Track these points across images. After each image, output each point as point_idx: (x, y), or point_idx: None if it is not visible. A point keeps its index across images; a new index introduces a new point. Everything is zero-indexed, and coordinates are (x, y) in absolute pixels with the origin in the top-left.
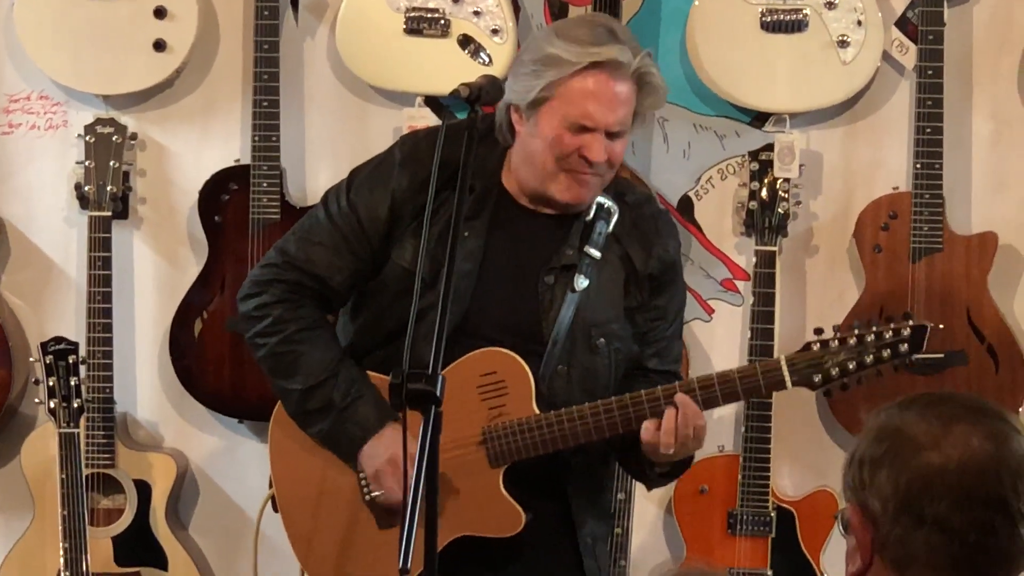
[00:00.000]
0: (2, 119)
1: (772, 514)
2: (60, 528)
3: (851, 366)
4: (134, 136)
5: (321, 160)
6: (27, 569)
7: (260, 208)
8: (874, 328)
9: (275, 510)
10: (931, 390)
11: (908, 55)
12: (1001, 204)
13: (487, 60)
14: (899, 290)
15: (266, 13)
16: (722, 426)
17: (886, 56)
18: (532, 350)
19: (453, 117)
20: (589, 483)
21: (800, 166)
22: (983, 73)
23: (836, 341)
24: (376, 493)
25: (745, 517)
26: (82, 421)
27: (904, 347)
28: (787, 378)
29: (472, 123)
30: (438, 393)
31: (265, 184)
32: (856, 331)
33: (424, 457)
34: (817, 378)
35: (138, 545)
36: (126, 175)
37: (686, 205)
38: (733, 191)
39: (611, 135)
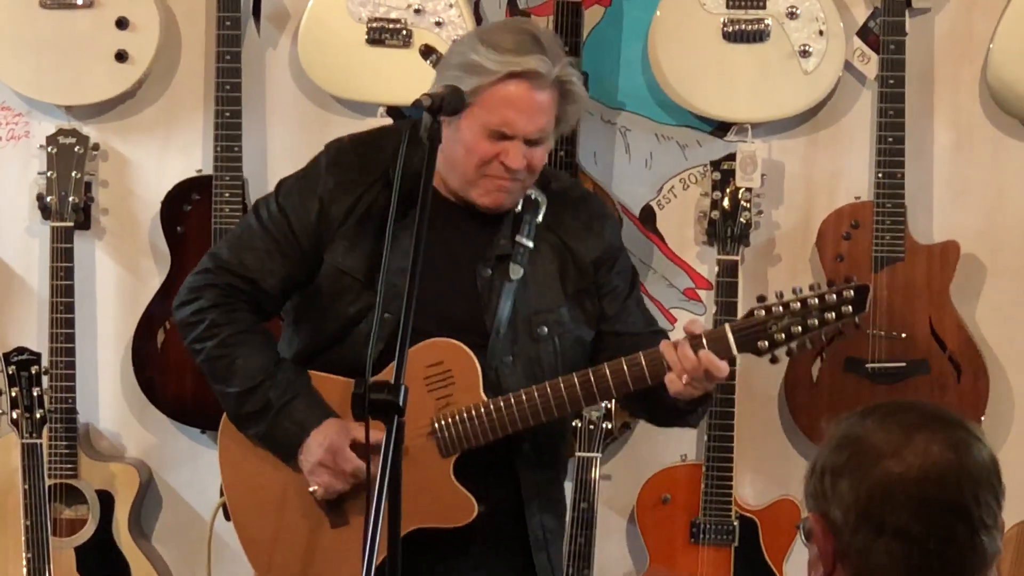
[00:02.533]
0: None
1: (735, 523)
2: (23, 539)
3: (796, 330)
4: (96, 147)
5: (283, 170)
6: None
7: (222, 218)
8: (816, 291)
9: (227, 518)
10: (893, 399)
11: (870, 65)
12: (963, 213)
13: None
14: None
15: (228, 23)
16: (685, 435)
17: (848, 66)
18: (475, 342)
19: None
20: (540, 475)
21: (762, 176)
22: (944, 83)
23: (780, 307)
24: (312, 488)
25: (708, 526)
26: (45, 431)
27: (848, 308)
28: (732, 345)
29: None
30: (400, 403)
31: (227, 194)
32: (799, 295)
33: (387, 468)
34: (763, 344)
35: (101, 555)
36: (88, 186)
37: (648, 214)
38: (695, 201)
39: (531, 142)
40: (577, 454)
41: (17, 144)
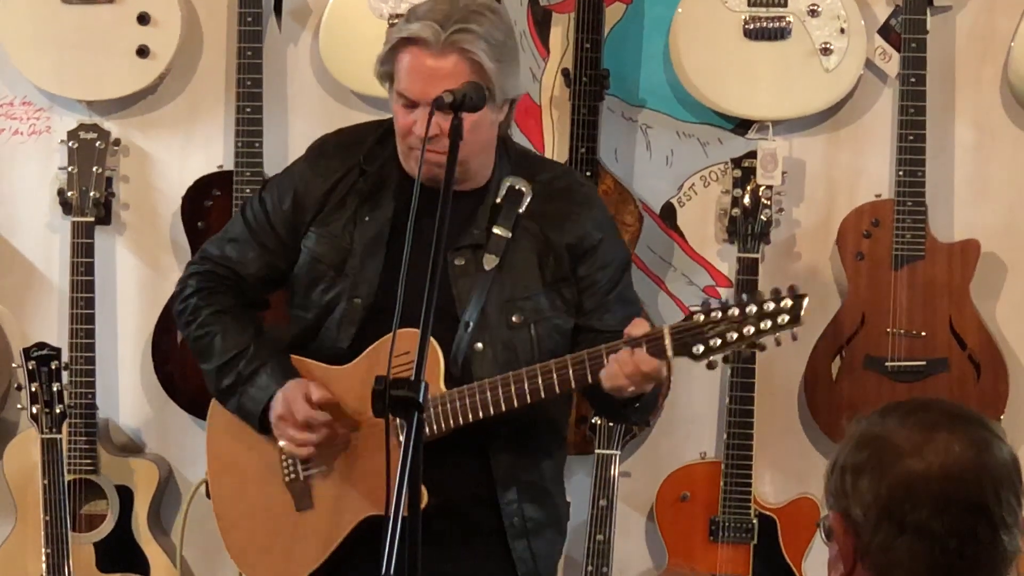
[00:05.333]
0: None
1: (754, 521)
2: (42, 534)
3: (732, 336)
4: (117, 142)
5: None
6: (10, 573)
7: None
8: (756, 299)
9: (207, 495)
10: (913, 397)
11: (891, 63)
12: (983, 212)
13: None
14: (881, 298)
15: (249, 19)
16: (704, 433)
17: (869, 64)
18: (447, 328)
19: None
20: (517, 463)
21: (783, 173)
22: (966, 81)
23: (719, 312)
24: (281, 443)
25: (727, 524)
26: (64, 427)
27: (783, 318)
28: (668, 346)
29: (456, 128)
30: (420, 399)
31: (248, 190)
32: (739, 302)
33: (408, 464)
34: (697, 348)
35: (120, 551)
36: (109, 181)
37: (669, 212)
38: (716, 198)
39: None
40: (596, 451)
41: (39, 139)
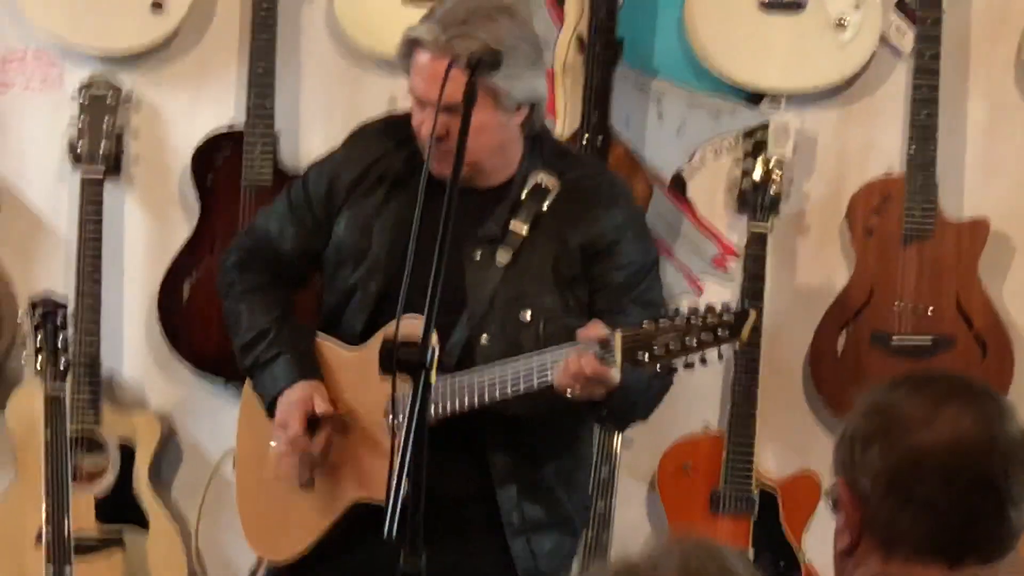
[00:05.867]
0: None
1: (755, 494)
2: (43, 486)
3: (675, 347)
4: (129, 96)
5: (315, 126)
6: (8, 527)
7: (253, 172)
8: (702, 312)
9: (234, 466)
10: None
11: (905, 39)
12: (994, 191)
13: None
14: (889, 274)
15: None
16: (707, 405)
17: (883, 39)
18: (456, 320)
19: None
20: (518, 461)
21: (794, 146)
22: (980, 59)
23: (667, 322)
24: (272, 443)
25: (728, 497)
26: (68, 380)
27: (724, 332)
28: (617, 351)
29: (471, 90)
30: (428, 363)
31: (259, 148)
32: (686, 314)
33: (413, 426)
34: (642, 356)
35: (120, 505)
36: (119, 135)
37: (679, 181)
38: (726, 169)
39: (447, 110)
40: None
41: (50, 92)
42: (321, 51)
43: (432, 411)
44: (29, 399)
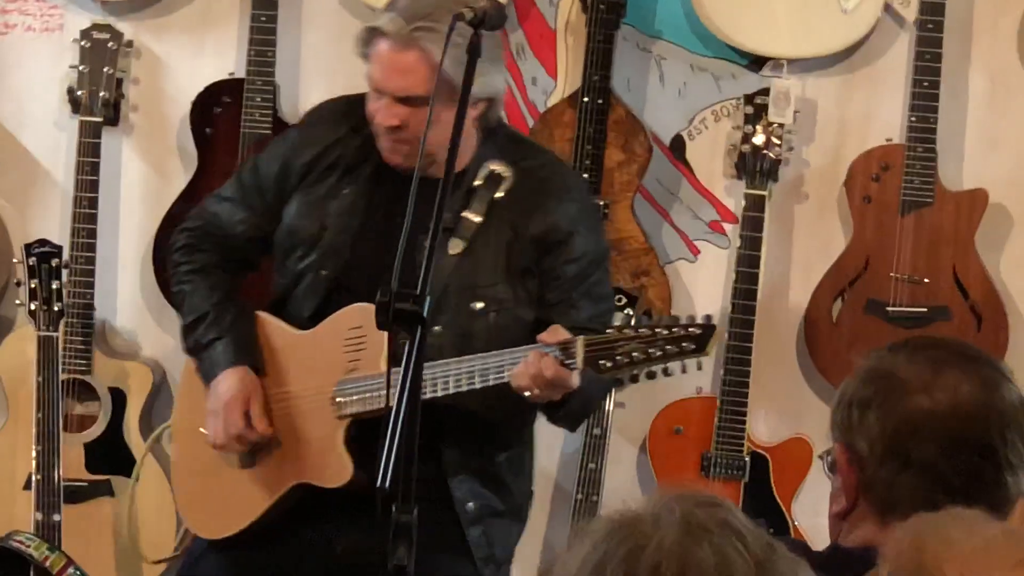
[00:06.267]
0: None
1: (746, 459)
2: (34, 431)
3: (638, 356)
4: (130, 43)
5: (315, 78)
6: None
7: (252, 123)
8: (666, 323)
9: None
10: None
11: (909, 8)
12: (993, 162)
13: None
14: (886, 242)
15: None
16: (701, 369)
17: (887, 8)
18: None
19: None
20: (469, 451)
21: (795, 112)
22: (983, 30)
23: (631, 330)
24: (202, 430)
25: (719, 460)
26: (61, 325)
27: (689, 345)
28: (579, 357)
29: (475, 46)
30: (425, 314)
31: (258, 99)
32: (652, 324)
33: (408, 379)
34: (603, 363)
35: (110, 453)
36: (119, 82)
37: (678, 144)
38: (726, 133)
39: (404, 101)
40: None
41: (51, 36)
42: (324, 3)
43: (384, 404)
44: (21, 343)
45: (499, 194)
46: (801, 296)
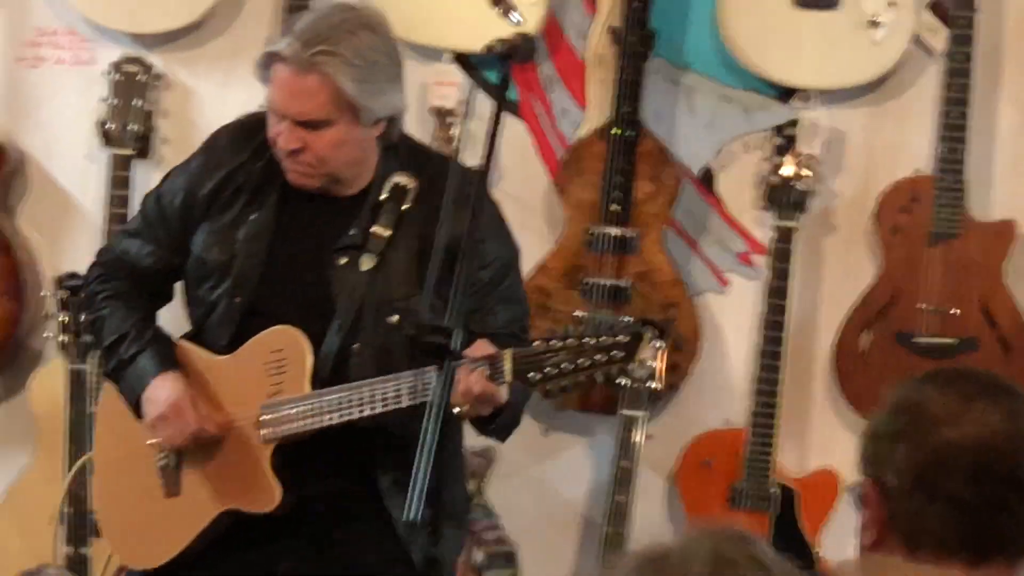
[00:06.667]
0: (29, 52)
1: (774, 491)
2: (64, 465)
3: (567, 367)
4: (160, 76)
5: None
6: (28, 503)
7: None
8: (594, 332)
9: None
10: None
11: (938, 38)
12: (1022, 193)
13: (519, 20)
14: (915, 273)
15: None
16: (730, 400)
17: (916, 38)
18: (326, 329)
19: (481, 75)
20: (401, 466)
21: (824, 143)
22: (1013, 62)
23: (559, 341)
24: (152, 441)
25: (747, 492)
26: (91, 358)
27: (618, 354)
28: (507, 370)
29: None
30: (454, 346)
31: None
32: (579, 334)
33: (439, 411)
34: (534, 375)
35: None
36: (149, 115)
37: (707, 176)
38: (755, 165)
39: (306, 124)
40: (621, 412)
41: (82, 69)
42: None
43: (314, 425)
44: (52, 378)
45: (406, 205)
46: (830, 327)
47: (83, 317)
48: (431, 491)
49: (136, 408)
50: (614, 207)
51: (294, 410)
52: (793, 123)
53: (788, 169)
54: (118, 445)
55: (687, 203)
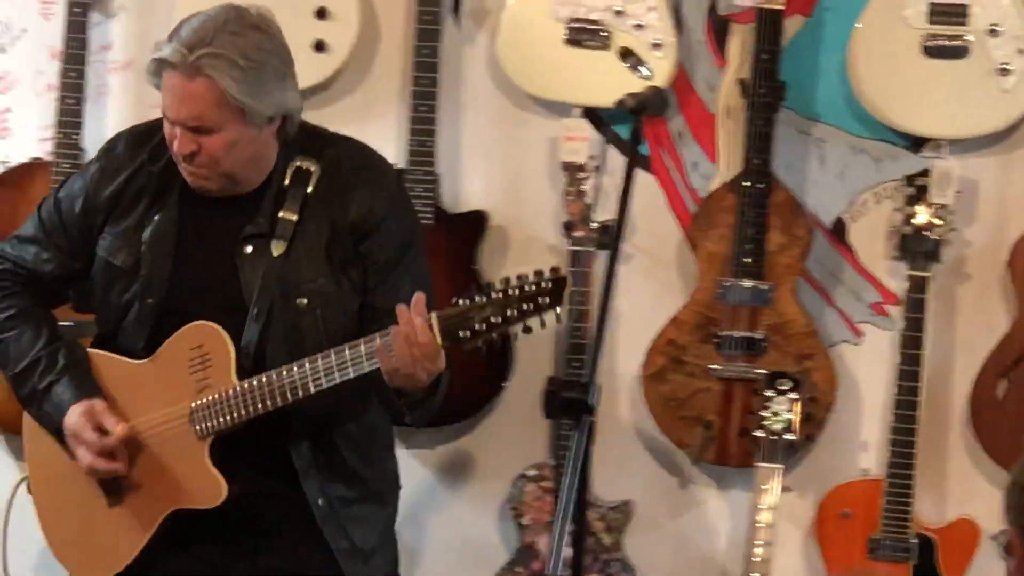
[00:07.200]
0: None
1: (913, 541)
2: None
3: (496, 320)
4: None
5: (476, 167)
6: None
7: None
8: (517, 282)
9: (28, 491)
10: None
11: None
12: None
13: (647, 74)
14: None
15: (427, 18)
16: (867, 450)
17: None
18: (239, 320)
19: (611, 129)
20: (317, 447)
21: (956, 192)
22: None
23: (482, 296)
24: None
25: (886, 542)
26: None
27: (544, 299)
28: (436, 333)
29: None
30: (591, 401)
31: (420, 189)
32: (501, 287)
33: (577, 470)
34: (463, 334)
35: None
36: None
37: (839, 227)
38: (887, 215)
39: (197, 130)
40: (758, 464)
41: None
42: (482, 92)
43: (250, 414)
44: None
45: (309, 189)
46: (965, 376)
47: None
48: (343, 472)
49: (59, 434)
50: (747, 259)
51: (226, 401)
52: (924, 172)
53: (921, 219)
54: (51, 463)
55: (819, 254)
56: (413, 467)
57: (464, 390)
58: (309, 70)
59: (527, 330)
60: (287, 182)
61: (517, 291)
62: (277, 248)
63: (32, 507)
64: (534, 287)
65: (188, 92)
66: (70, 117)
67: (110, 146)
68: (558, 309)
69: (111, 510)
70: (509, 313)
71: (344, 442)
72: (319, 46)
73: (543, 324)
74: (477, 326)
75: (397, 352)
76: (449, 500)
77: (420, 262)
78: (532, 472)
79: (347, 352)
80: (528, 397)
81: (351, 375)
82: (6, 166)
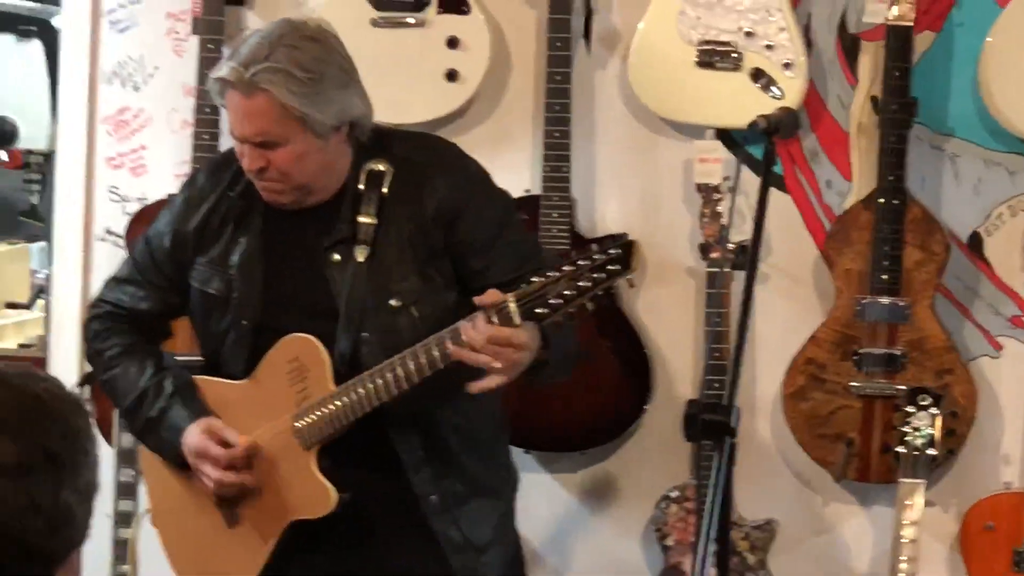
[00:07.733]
0: None
1: None
2: None
3: (571, 293)
4: None
5: (611, 191)
6: None
7: (550, 238)
8: (586, 253)
9: (152, 524)
10: None
11: None
12: None
13: (779, 94)
14: None
15: (558, 44)
16: (1009, 463)
17: None
18: (335, 329)
19: (744, 150)
20: (426, 445)
21: None
22: None
23: (554, 272)
24: (208, 483)
25: None
26: None
27: (616, 266)
28: (515, 312)
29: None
30: (731, 423)
31: (555, 215)
32: (572, 259)
33: (719, 491)
34: (542, 311)
35: None
36: None
37: (975, 241)
38: (1023, 227)
39: (263, 145)
40: (900, 480)
41: None
42: (615, 116)
43: (350, 418)
44: None
45: (384, 190)
46: None
47: (98, 376)
48: (454, 466)
49: (178, 460)
50: (884, 276)
51: (327, 409)
52: None
53: None
54: (169, 494)
55: (956, 268)
56: (556, 492)
57: (606, 413)
58: (442, 99)
59: (604, 293)
60: (362, 186)
61: (588, 261)
62: (361, 253)
63: (157, 539)
64: (603, 256)
65: (248, 109)
66: (203, 153)
67: (192, 178)
68: (630, 274)
69: (231, 531)
70: (582, 284)
71: (452, 435)
72: (451, 75)
73: (631, 284)
74: (553, 301)
75: (475, 350)
76: (593, 523)
77: (519, 231)
78: (675, 493)
79: (425, 348)
80: (669, 418)
81: (440, 366)
82: (143, 203)
